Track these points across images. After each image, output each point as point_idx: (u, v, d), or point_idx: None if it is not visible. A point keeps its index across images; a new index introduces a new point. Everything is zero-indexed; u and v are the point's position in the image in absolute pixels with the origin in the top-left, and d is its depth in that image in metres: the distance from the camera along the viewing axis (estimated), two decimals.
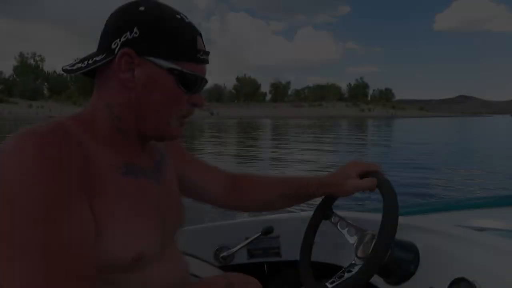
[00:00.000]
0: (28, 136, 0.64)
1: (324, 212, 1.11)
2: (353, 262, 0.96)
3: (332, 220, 1.08)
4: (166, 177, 0.90)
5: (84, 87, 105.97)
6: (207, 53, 0.80)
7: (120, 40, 0.73)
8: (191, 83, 0.78)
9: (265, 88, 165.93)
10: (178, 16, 0.76)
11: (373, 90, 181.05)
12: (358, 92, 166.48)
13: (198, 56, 0.77)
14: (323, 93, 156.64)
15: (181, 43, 0.75)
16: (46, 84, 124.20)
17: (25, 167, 0.61)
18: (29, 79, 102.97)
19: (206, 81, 0.82)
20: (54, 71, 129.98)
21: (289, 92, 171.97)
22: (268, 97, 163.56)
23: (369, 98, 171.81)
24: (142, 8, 0.74)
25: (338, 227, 1.06)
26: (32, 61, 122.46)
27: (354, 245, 1.00)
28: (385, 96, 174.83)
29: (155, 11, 0.75)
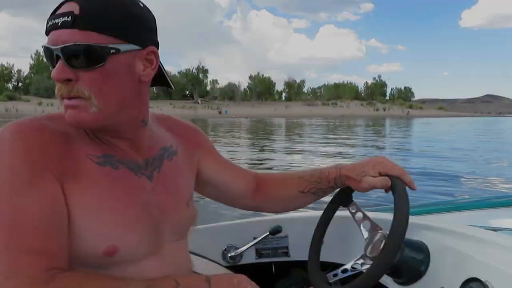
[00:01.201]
0: (11, 125, 0.71)
1: (343, 198, 1.07)
2: (362, 261, 0.95)
3: (350, 208, 1.04)
4: (167, 175, 0.87)
5: None
6: (54, 17, 0.71)
7: None
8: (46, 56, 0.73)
9: (281, 86, 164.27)
10: None
11: (391, 89, 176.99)
12: (376, 91, 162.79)
13: (47, 26, 0.72)
14: (339, 92, 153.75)
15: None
16: None
17: (1, 150, 0.68)
18: (43, 77, 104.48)
19: (50, 50, 0.71)
20: None
21: (305, 90, 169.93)
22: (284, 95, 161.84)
23: (387, 97, 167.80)
24: None
25: (355, 218, 1.02)
26: None
27: (364, 244, 0.98)
28: (404, 95, 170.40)
29: None
